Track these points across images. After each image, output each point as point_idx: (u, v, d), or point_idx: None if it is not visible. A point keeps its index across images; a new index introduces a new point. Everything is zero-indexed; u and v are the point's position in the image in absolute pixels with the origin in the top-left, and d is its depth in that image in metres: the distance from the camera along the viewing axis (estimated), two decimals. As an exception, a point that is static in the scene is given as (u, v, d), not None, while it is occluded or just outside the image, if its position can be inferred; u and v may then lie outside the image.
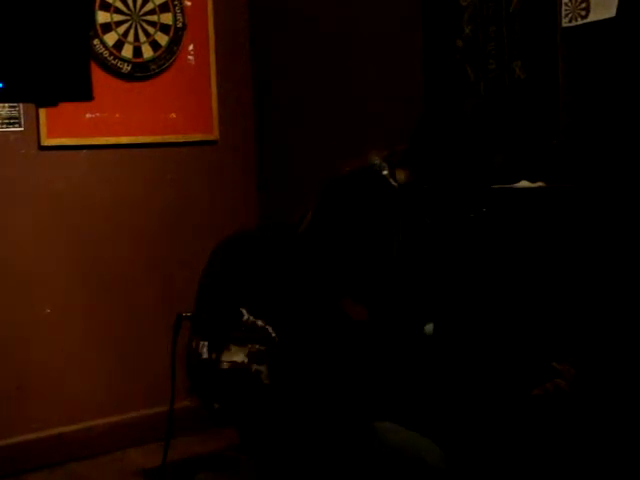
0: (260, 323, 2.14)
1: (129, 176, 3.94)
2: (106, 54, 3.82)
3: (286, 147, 4.13)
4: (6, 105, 3.60)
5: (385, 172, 2.08)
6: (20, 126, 3.66)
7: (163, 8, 3.96)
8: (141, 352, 3.78)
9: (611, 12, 2.66)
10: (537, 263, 2.62)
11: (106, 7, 3.82)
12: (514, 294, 2.53)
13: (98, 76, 3.65)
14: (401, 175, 2.20)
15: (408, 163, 2.22)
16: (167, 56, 3.98)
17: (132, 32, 3.89)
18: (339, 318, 2.08)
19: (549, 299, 2.23)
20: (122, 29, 3.87)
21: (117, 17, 3.85)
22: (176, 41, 4.00)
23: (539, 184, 2.80)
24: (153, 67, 3.95)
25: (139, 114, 3.93)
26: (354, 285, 2.12)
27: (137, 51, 3.91)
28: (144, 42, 3.92)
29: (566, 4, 2.81)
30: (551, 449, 2.31)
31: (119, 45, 3.86)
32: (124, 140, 3.91)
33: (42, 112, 3.66)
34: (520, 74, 3.01)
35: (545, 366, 2.04)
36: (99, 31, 3.80)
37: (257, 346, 2.10)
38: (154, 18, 3.95)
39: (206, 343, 2.16)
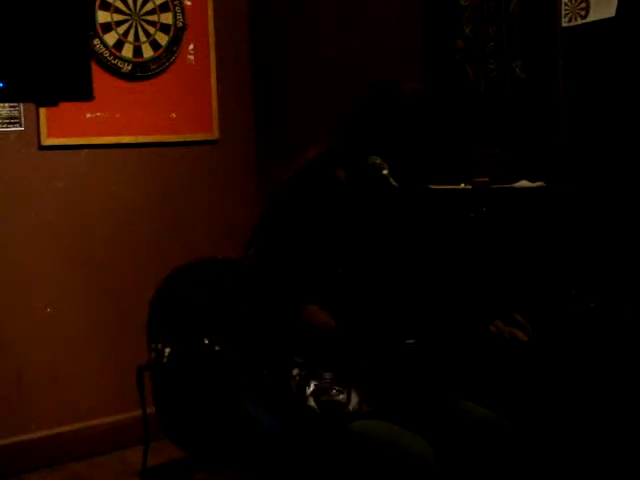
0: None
1: (129, 176, 3.94)
2: (106, 54, 3.82)
3: (286, 147, 4.13)
4: (6, 105, 3.60)
5: (385, 172, 2.08)
6: (20, 126, 3.66)
7: (163, 8, 3.96)
8: (142, 351, 3.77)
9: (611, 12, 2.66)
10: (536, 261, 2.63)
11: (106, 7, 3.82)
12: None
13: (98, 76, 3.65)
14: (341, 174, 2.19)
15: (346, 161, 2.19)
16: (167, 56, 3.98)
17: (132, 32, 3.89)
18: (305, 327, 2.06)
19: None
20: (122, 29, 3.87)
21: (117, 17, 3.86)
22: (176, 41, 4.00)
23: (539, 184, 2.81)
24: (153, 67, 3.95)
25: (139, 114, 3.93)
26: (321, 291, 2.09)
27: (137, 51, 3.91)
28: (144, 42, 3.92)
29: (566, 4, 2.81)
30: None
31: (119, 45, 3.86)
32: (124, 140, 3.91)
33: (42, 112, 3.66)
34: (520, 74, 3.01)
35: (507, 315, 2.06)
36: (99, 31, 3.81)
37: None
38: (154, 18, 3.95)
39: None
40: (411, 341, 2.10)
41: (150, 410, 3.26)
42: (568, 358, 2.52)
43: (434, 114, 2.15)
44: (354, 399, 2.03)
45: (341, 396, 2.02)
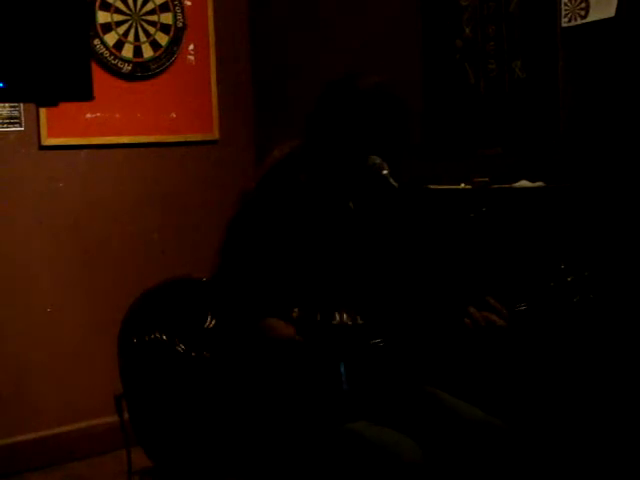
0: None
1: (129, 176, 3.94)
2: (106, 54, 3.83)
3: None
4: (6, 105, 3.60)
5: (385, 172, 2.08)
6: (20, 126, 3.66)
7: (163, 8, 3.97)
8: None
9: (610, 12, 2.66)
10: (535, 260, 2.63)
11: (106, 7, 3.82)
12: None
13: (98, 76, 3.64)
14: (304, 177, 2.15)
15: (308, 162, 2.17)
16: (167, 56, 3.98)
17: (132, 32, 3.89)
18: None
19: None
20: (122, 29, 3.87)
21: (117, 17, 3.86)
22: (176, 41, 4.00)
23: (539, 184, 2.81)
24: (153, 67, 3.95)
25: (139, 114, 3.93)
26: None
27: (137, 51, 3.91)
28: (144, 42, 3.92)
29: (566, 4, 2.81)
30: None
31: (119, 45, 3.86)
32: (124, 140, 3.91)
33: (42, 112, 3.66)
34: (520, 74, 3.01)
35: (480, 300, 2.03)
36: (99, 31, 3.81)
37: None
38: (154, 18, 3.95)
39: None
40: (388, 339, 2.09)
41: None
42: (550, 341, 2.51)
43: (393, 104, 2.11)
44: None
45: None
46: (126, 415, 2.36)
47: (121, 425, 2.37)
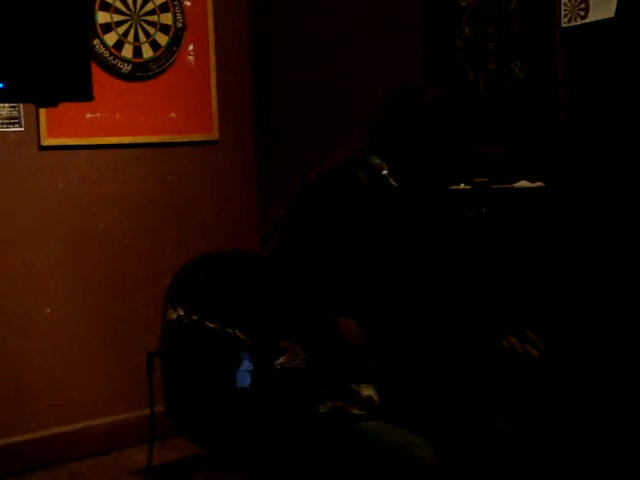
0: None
1: (129, 176, 3.94)
2: (106, 54, 3.83)
3: (286, 147, 4.13)
4: (6, 105, 3.60)
5: (385, 172, 2.08)
6: (20, 126, 3.66)
7: (163, 8, 3.97)
8: (141, 352, 3.78)
9: (610, 12, 2.66)
10: (536, 261, 2.63)
11: (106, 7, 3.82)
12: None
13: (98, 76, 3.65)
14: (363, 176, 2.17)
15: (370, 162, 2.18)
16: (167, 56, 3.98)
17: (132, 32, 3.89)
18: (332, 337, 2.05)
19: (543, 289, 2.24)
20: (122, 29, 3.87)
21: (117, 17, 3.86)
22: (176, 41, 4.00)
23: (538, 184, 2.81)
24: (153, 67, 3.95)
25: (139, 114, 3.93)
26: (346, 301, 2.08)
27: (137, 51, 3.91)
28: (144, 42, 3.93)
29: (565, 4, 2.81)
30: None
31: (119, 45, 3.86)
32: (124, 140, 3.91)
33: (42, 112, 3.66)
34: (520, 74, 3.01)
35: (519, 331, 2.05)
36: (99, 31, 3.81)
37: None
38: (154, 18, 3.95)
39: None
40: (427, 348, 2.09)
41: (156, 409, 3.28)
42: (579, 375, 2.51)
43: (453, 122, 2.14)
44: (365, 392, 2.03)
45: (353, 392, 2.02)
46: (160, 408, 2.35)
47: (150, 387, 2.35)
